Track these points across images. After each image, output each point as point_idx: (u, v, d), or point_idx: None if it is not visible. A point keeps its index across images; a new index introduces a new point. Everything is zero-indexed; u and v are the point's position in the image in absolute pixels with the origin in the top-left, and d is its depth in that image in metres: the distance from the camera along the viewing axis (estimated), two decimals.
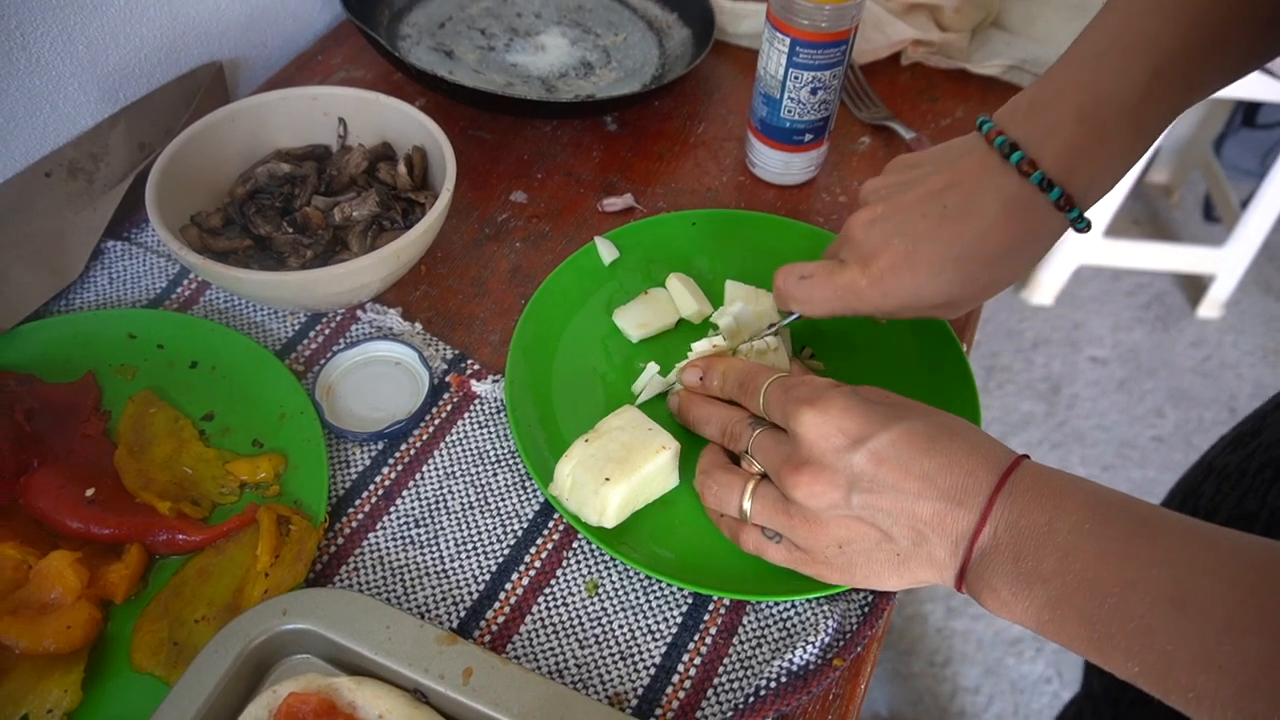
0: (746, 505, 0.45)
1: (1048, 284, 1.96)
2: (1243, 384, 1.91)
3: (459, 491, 0.52)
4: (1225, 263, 1.91)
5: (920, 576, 0.42)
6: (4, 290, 0.57)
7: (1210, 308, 1.99)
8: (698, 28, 0.79)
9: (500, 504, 0.52)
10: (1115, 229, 1.93)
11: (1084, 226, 0.46)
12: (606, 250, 0.62)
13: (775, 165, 0.69)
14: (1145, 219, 2.18)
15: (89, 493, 0.48)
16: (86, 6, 0.61)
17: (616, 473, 0.48)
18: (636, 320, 0.58)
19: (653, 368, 0.56)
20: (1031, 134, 0.44)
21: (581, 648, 0.47)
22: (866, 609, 0.48)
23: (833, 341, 0.59)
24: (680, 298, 0.59)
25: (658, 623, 0.48)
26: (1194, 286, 2.02)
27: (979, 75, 0.79)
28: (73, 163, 0.63)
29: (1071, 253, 1.90)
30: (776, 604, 0.48)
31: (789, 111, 0.64)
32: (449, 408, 0.56)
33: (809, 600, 0.48)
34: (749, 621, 0.48)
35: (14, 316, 0.57)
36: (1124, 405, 1.86)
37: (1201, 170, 2.10)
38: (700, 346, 0.54)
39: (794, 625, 0.48)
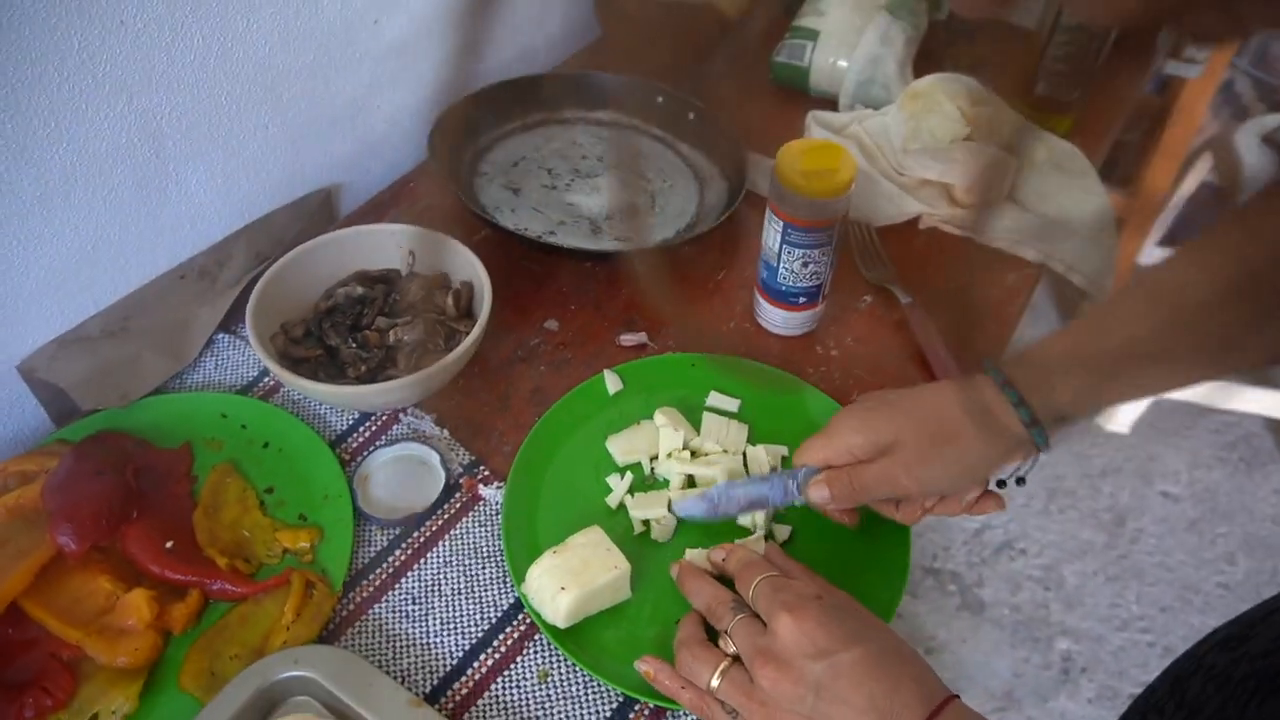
0: (715, 683, 0.53)
1: (1124, 411, 1.95)
2: None
3: (452, 578, 0.64)
4: None
5: None
6: (137, 369, 0.73)
7: None
8: (733, 182, 0.90)
9: (483, 593, 0.63)
10: None
11: (1037, 434, 0.55)
12: (613, 382, 0.73)
13: (776, 319, 0.78)
14: None
15: (169, 544, 0.62)
16: (230, 148, 0.78)
17: (571, 583, 0.58)
18: (624, 448, 0.69)
19: (625, 480, 0.67)
20: (1009, 366, 0.56)
21: None
22: None
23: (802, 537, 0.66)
24: (665, 431, 0.69)
25: (589, 715, 0.57)
26: None
27: (987, 245, 0.87)
28: (202, 268, 0.79)
29: None
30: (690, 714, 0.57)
31: (784, 278, 0.74)
32: (457, 505, 0.67)
33: None
34: None
35: (140, 391, 0.72)
36: (1193, 547, 1.82)
37: None
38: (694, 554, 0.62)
39: None
